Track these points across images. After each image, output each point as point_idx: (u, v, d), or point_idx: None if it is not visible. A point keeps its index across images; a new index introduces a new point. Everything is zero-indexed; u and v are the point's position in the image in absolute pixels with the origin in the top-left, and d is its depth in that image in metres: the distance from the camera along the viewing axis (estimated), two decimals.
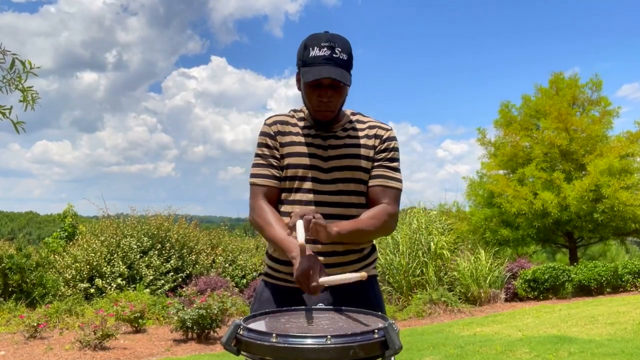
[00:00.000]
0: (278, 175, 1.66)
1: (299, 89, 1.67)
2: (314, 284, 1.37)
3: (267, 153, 1.66)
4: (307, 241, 1.53)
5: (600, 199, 10.47)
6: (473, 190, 12.41)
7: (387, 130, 1.70)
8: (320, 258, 1.55)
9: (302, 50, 1.59)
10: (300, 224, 1.37)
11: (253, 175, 1.67)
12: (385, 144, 1.68)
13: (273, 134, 1.67)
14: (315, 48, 1.55)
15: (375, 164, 1.67)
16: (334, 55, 1.54)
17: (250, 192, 1.67)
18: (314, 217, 1.39)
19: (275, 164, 1.66)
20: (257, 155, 1.68)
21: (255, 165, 1.68)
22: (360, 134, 1.69)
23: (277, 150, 1.66)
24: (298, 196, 1.63)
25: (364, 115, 1.74)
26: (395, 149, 1.70)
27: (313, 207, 1.60)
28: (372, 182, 1.66)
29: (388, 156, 1.68)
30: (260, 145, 1.68)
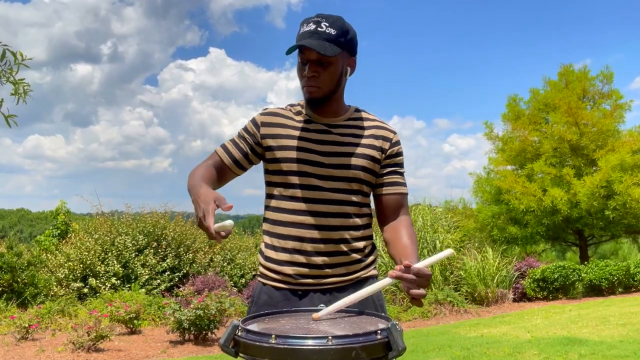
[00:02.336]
0: (238, 159, 1.68)
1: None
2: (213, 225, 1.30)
3: (244, 136, 1.69)
4: (299, 239, 1.57)
5: (612, 195, 10.44)
6: (480, 187, 12.36)
7: (395, 133, 1.72)
8: (325, 259, 1.58)
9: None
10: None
11: (221, 145, 1.72)
12: (396, 148, 1.69)
13: (259, 123, 1.68)
14: (304, 25, 1.58)
15: (387, 169, 1.67)
16: (318, 29, 1.55)
17: (210, 155, 1.72)
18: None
19: (243, 148, 1.68)
20: (238, 133, 1.72)
21: (229, 139, 1.73)
22: (366, 132, 1.67)
23: (255, 140, 1.67)
24: (290, 192, 1.62)
25: (368, 113, 1.74)
26: (403, 153, 1.73)
27: (316, 206, 1.60)
28: (387, 190, 1.67)
29: (399, 161, 1.70)
30: (243, 127, 1.72)
